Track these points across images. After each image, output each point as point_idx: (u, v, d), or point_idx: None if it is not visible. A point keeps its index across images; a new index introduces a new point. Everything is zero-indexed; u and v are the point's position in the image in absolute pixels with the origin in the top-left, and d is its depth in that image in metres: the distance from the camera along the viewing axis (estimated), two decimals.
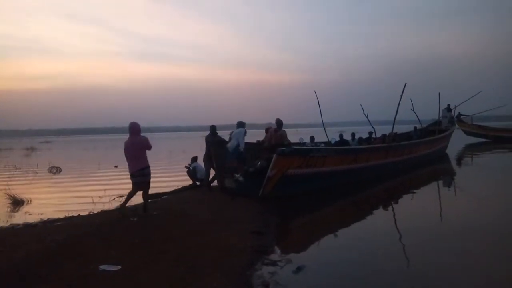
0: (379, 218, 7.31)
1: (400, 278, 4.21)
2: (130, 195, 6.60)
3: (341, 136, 13.74)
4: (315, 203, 8.66)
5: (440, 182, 11.72)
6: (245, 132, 9.03)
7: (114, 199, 9.59)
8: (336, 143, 12.62)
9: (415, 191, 10.06)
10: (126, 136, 6.77)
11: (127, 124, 6.59)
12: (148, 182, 6.62)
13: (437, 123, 20.39)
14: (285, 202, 8.24)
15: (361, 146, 11.86)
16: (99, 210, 7.78)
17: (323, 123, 13.98)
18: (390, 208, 8.33)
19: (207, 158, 9.39)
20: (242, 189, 8.38)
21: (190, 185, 10.54)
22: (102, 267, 4.20)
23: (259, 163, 8.08)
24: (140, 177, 6.48)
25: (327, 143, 12.41)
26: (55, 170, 17.14)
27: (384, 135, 13.66)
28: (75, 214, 7.53)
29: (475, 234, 5.76)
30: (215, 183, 9.78)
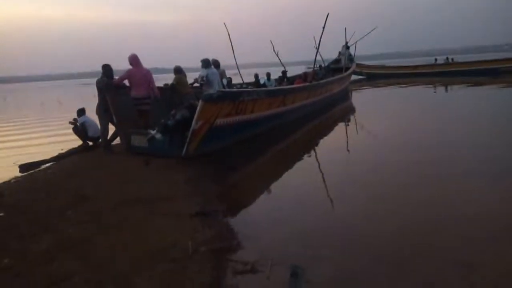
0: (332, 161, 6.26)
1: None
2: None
3: (256, 76, 12.23)
4: (247, 155, 7.19)
5: (350, 119, 11.39)
6: (225, 75, 7.71)
7: None
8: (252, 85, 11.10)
9: (331, 130, 9.65)
10: None
11: None
12: (148, 111, 7.05)
13: (337, 61, 20.27)
14: (215, 158, 6.58)
15: (288, 86, 10.52)
16: None
17: (236, 63, 12.11)
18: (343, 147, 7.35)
19: (103, 109, 6.98)
20: (157, 149, 6.38)
21: (79, 146, 8.04)
22: None
23: (181, 113, 6.09)
24: (146, 105, 6.98)
25: (249, 85, 10.78)
26: None
27: (305, 73, 12.54)
28: None
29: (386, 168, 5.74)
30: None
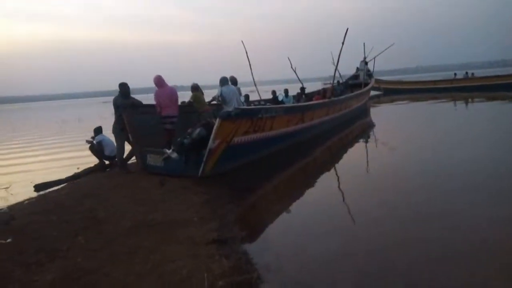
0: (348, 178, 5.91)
1: None
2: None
3: (274, 93, 12.05)
4: (265, 174, 6.91)
5: (370, 135, 10.95)
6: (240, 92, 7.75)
7: None
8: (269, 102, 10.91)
9: (352, 147, 9.25)
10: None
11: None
12: (173, 130, 7.10)
13: (356, 76, 20.00)
14: (231, 178, 6.32)
15: (307, 103, 10.29)
16: None
17: (254, 80, 11.97)
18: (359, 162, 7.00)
19: (119, 128, 6.86)
20: (173, 168, 6.18)
21: (95, 165, 7.91)
22: None
23: (198, 131, 5.90)
24: (170, 124, 7.03)
25: (266, 102, 10.59)
26: None
27: (324, 89, 12.32)
28: None
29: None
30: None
